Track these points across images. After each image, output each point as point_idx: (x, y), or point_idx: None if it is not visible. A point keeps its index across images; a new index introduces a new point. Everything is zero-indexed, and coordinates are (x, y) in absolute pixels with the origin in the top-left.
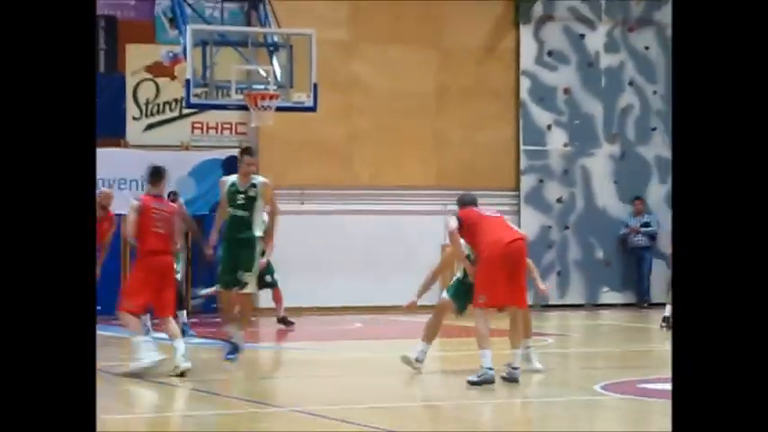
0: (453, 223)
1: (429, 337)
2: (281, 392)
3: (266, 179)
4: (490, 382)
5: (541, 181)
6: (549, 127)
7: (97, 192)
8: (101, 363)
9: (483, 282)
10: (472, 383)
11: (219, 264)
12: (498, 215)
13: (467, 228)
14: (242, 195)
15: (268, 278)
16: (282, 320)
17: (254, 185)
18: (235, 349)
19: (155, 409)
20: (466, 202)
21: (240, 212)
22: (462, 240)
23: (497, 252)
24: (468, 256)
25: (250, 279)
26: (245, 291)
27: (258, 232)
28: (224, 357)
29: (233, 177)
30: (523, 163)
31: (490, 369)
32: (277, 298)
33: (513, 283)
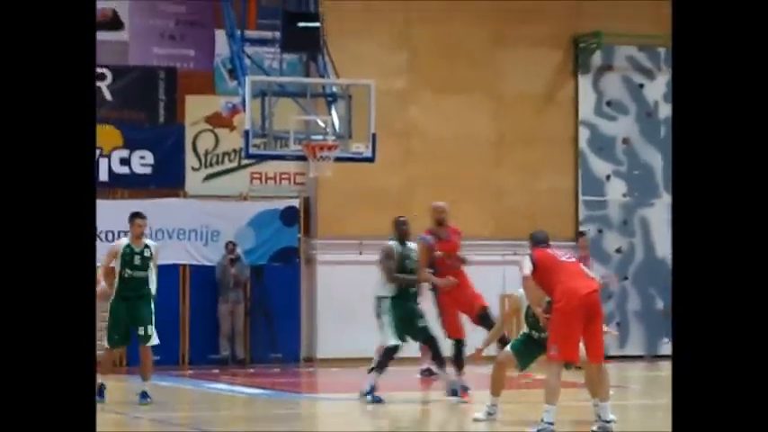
0: (527, 268)
1: (496, 390)
2: None
3: (156, 243)
4: None
5: (600, 231)
6: (608, 177)
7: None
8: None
9: (557, 333)
10: None
11: (111, 321)
12: (574, 260)
13: (541, 271)
14: (138, 256)
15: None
16: (427, 371)
17: (147, 246)
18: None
19: None
20: (539, 241)
21: (138, 272)
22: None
23: (574, 303)
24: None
25: (152, 332)
26: (151, 343)
27: (153, 289)
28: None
29: (125, 240)
30: (582, 213)
31: (550, 424)
32: (424, 350)
33: (590, 336)
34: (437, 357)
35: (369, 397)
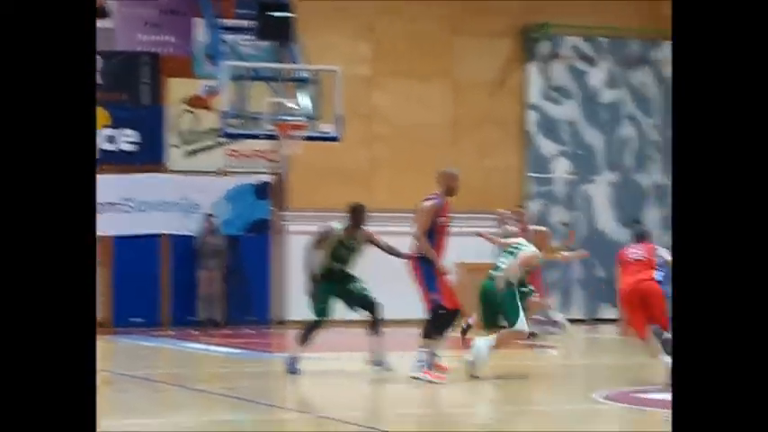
0: None
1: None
2: (307, 399)
3: None
4: None
5: (546, 206)
6: (554, 156)
7: None
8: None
9: None
10: None
11: None
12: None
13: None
14: None
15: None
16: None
17: None
18: None
19: (188, 414)
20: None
21: None
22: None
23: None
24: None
25: None
26: None
27: None
28: None
29: None
30: (530, 189)
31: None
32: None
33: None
34: (375, 324)
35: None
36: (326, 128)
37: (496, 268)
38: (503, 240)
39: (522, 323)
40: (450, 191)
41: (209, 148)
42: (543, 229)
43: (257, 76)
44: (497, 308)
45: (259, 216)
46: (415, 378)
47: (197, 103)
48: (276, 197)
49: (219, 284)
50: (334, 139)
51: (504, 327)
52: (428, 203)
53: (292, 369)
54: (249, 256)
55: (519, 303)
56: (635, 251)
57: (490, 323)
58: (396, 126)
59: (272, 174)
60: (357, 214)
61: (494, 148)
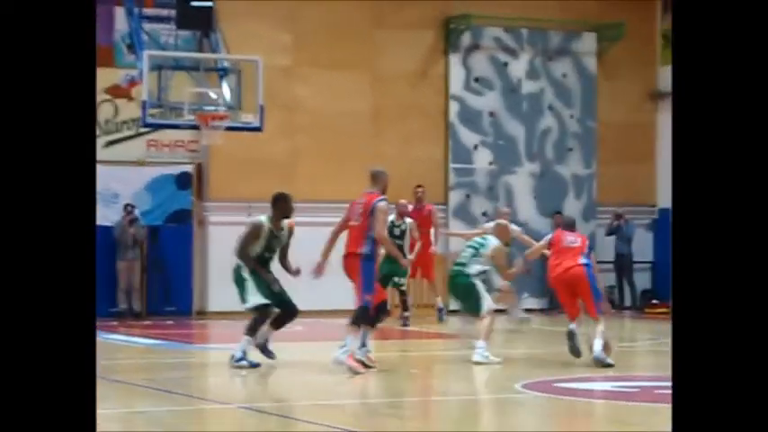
0: None
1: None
2: (229, 390)
3: None
4: None
5: (468, 196)
6: (475, 147)
7: None
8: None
9: None
10: None
11: None
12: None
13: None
14: None
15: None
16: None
17: None
18: None
19: (108, 405)
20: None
21: None
22: None
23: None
24: None
25: None
26: None
27: None
28: None
29: None
30: (452, 179)
31: None
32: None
33: None
34: (278, 321)
35: (244, 362)
36: (248, 118)
37: (461, 263)
38: (470, 233)
39: (487, 307)
40: (385, 189)
41: (130, 138)
42: (503, 222)
43: (178, 65)
44: (463, 298)
45: (180, 206)
46: (338, 363)
47: (117, 92)
48: (197, 187)
49: (139, 275)
50: (255, 129)
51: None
52: (383, 204)
53: (268, 354)
54: (169, 247)
55: (479, 290)
56: (572, 238)
57: (469, 309)
58: (317, 116)
59: (193, 164)
60: (281, 204)
61: (416, 139)
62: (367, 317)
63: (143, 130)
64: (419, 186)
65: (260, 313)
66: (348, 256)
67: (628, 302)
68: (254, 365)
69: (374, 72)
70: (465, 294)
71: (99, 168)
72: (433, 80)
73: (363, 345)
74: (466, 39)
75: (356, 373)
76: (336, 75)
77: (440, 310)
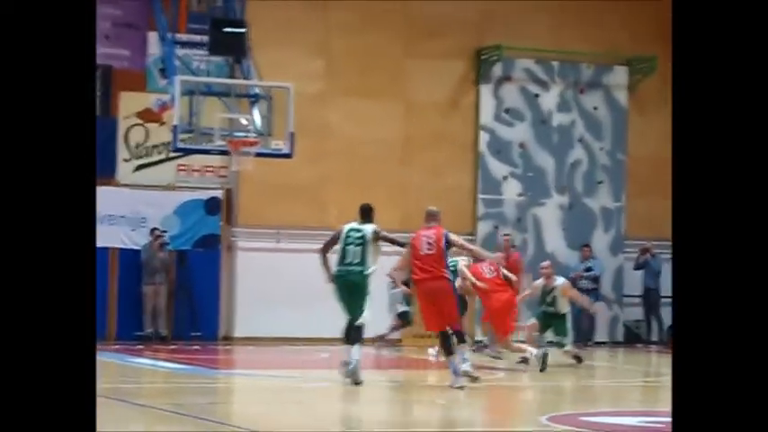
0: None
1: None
2: (255, 417)
3: None
4: None
5: (496, 227)
6: (504, 178)
7: None
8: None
9: None
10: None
11: None
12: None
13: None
14: None
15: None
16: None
17: None
18: None
19: (132, 429)
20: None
21: None
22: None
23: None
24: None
25: None
26: None
27: None
28: None
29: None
30: (480, 210)
31: None
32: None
33: None
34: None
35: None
36: (278, 144)
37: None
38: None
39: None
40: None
41: (160, 162)
42: (565, 283)
43: (209, 91)
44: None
45: (208, 231)
46: (459, 388)
47: (149, 117)
48: (226, 213)
49: (166, 299)
50: (285, 155)
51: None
52: (453, 234)
53: (354, 378)
54: (197, 272)
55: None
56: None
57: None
58: (347, 143)
59: (223, 189)
60: (372, 212)
61: (446, 169)
62: (462, 335)
63: (173, 154)
64: (507, 235)
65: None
66: (434, 280)
67: (655, 337)
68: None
69: (405, 101)
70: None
71: (128, 192)
72: (463, 110)
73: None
74: (497, 70)
75: (474, 379)
76: (367, 103)
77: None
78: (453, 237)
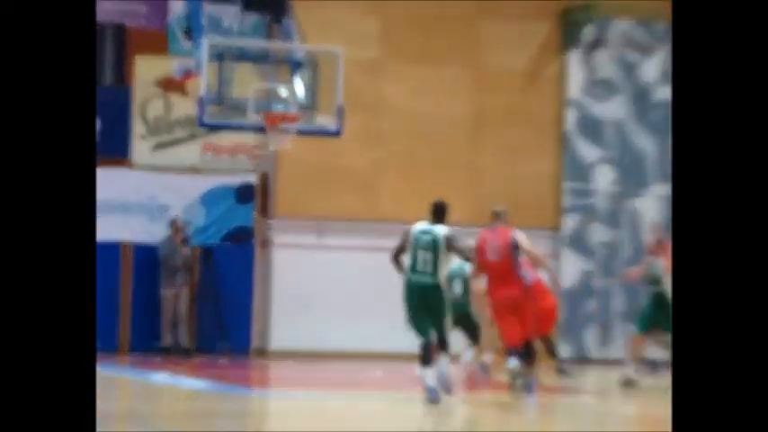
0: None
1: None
2: None
3: None
4: None
5: (585, 222)
6: (595, 163)
7: None
8: None
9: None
10: None
11: None
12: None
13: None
14: None
15: None
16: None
17: None
18: None
19: None
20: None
21: None
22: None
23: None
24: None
25: None
26: None
27: None
28: None
29: None
30: (565, 202)
31: None
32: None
33: None
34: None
35: None
36: (324, 120)
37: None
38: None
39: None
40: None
41: (183, 140)
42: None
43: (243, 55)
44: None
45: (240, 224)
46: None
47: (170, 85)
48: (261, 202)
49: (189, 305)
50: (333, 133)
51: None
52: (522, 235)
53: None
54: (226, 272)
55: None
56: None
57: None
58: (406, 121)
59: (257, 173)
60: (439, 213)
61: (524, 152)
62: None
63: (199, 131)
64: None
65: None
66: (508, 288)
67: None
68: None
69: (476, 70)
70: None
71: (145, 176)
72: (545, 82)
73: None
74: (588, 33)
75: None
76: (431, 72)
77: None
78: (522, 240)
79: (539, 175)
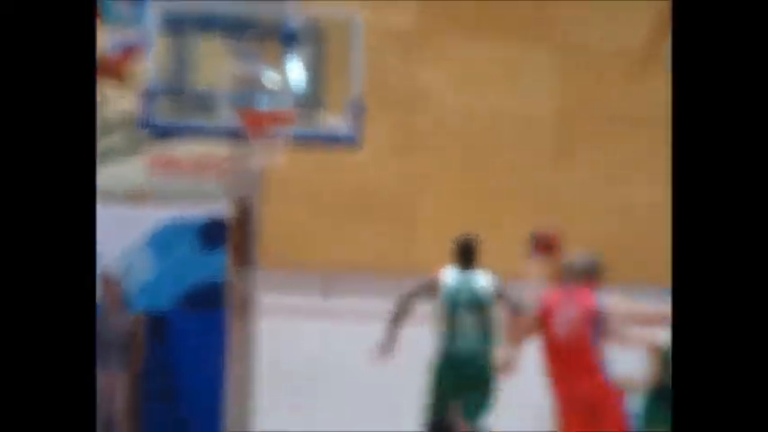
0: None
1: None
2: None
3: None
4: None
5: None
6: None
7: None
8: None
9: None
10: None
11: None
12: None
13: None
14: None
15: None
16: None
17: None
18: None
19: None
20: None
21: None
22: None
23: None
24: None
25: None
26: None
27: None
28: None
29: None
30: None
31: None
32: None
33: None
34: None
35: None
36: (333, 122)
37: None
38: None
39: None
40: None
41: (120, 151)
42: None
43: (210, 23)
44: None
45: (205, 278)
46: None
47: (102, 69)
48: (238, 244)
49: (130, 395)
50: (346, 141)
51: None
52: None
53: None
54: (186, 349)
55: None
56: None
57: None
58: (455, 122)
59: (233, 202)
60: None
61: (633, 168)
62: None
63: (145, 135)
64: None
65: None
66: (583, 380)
67: None
68: None
69: (561, 51)
70: None
71: None
72: (661, 69)
73: None
74: None
75: None
76: (491, 51)
77: None
78: (615, 310)
79: (653, 204)
